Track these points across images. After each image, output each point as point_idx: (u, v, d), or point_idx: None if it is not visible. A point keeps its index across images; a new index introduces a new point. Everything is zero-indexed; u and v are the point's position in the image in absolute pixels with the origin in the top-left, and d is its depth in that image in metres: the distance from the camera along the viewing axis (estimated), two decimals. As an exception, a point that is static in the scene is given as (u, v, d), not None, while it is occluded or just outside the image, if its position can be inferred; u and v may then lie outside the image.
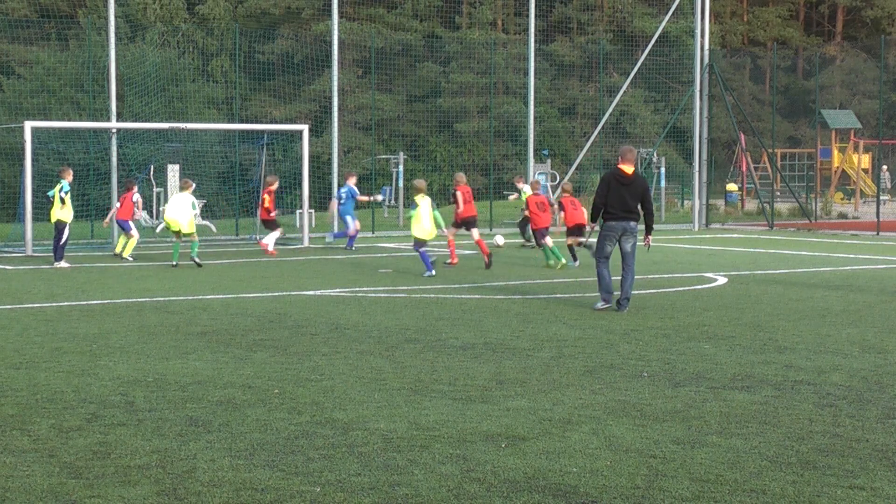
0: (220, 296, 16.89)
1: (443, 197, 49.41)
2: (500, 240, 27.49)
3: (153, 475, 6.99)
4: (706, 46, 37.51)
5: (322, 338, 12.53)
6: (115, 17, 30.39)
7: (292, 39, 50.34)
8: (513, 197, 30.78)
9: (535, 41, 35.75)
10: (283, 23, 55.45)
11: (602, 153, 40.07)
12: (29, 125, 25.96)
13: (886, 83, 49.69)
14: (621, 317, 14.41)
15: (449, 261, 22.19)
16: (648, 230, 15.41)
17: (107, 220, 25.88)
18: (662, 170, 40.59)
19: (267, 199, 25.96)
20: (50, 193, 22.80)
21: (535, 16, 35.64)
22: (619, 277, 15.15)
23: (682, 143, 48.00)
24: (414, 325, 13.53)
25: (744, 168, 45.89)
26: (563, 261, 21.65)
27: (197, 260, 22.25)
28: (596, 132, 37.67)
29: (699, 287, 18.24)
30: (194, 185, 24.50)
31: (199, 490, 6.68)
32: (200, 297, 16.74)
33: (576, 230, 22.18)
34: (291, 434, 8.01)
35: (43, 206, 24.34)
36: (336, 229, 29.28)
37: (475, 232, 22.43)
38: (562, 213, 22.81)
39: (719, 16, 65.86)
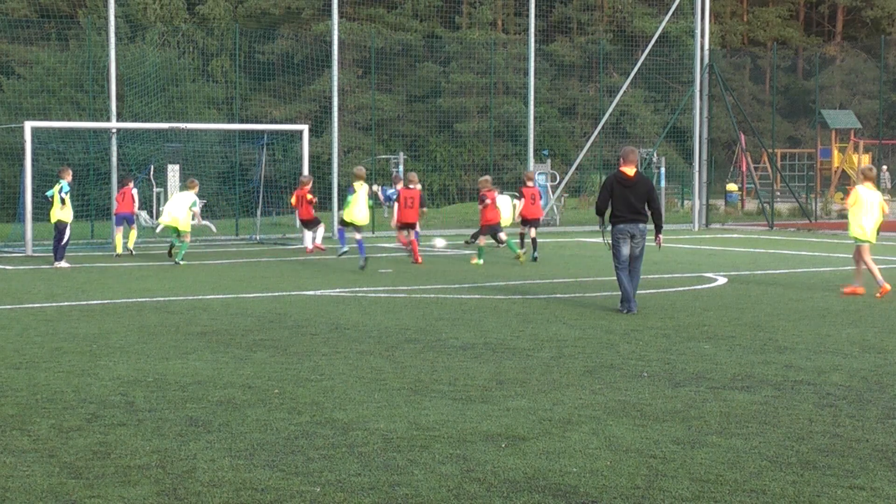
0: (220, 296, 16.89)
1: (442, 197, 49.49)
2: (439, 242, 26.81)
3: (153, 475, 6.99)
4: (706, 46, 37.51)
5: (322, 338, 12.53)
6: (115, 17, 30.39)
7: (292, 39, 50.34)
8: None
9: (535, 41, 35.75)
10: (283, 23, 55.44)
11: (602, 153, 40.07)
12: (29, 125, 25.97)
13: (886, 83, 49.68)
14: (621, 317, 14.41)
15: (413, 260, 22.69)
16: (658, 229, 15.29)
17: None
18: (662, 170, 40.56)
19: (308, 198, 25.72)
20: (49, 193, 22.80)
21: (535, 16, 35.64)
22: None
23: (682, 143, 48.01)
24: (414, 325, 13.54)
25: (744, 168, 45.89)
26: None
27: (179, 262, 22.65)
28: (596, 132, 37.67)
29: (699, 287, 18.24)
30: (198, 186, 24.80)
31: (199, 490, 6.68)
32: (200, 297, 16.74)
33: (531, 223, 23.80)
34: (291, 434, 8.01)
35: (43, 206, 24.35)
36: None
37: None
38: (521, 201, 23.93)
39: (719, 16, 65.86)
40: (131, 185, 25.54)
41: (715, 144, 48.51)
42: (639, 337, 12.71)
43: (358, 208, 21.69)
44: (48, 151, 31.58)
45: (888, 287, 16.86)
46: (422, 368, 10.61)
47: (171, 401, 9.12)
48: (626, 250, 14.90)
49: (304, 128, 29.50)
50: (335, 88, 32.25)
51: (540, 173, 37.14)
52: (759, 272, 20.97)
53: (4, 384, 9.82)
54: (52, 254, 22.57)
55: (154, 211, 32.68)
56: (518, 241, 23.98)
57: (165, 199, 32.22)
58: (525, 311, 15.04)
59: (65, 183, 22.59)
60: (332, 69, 32.32)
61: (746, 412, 8.77)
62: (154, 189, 33.50)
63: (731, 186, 49.94)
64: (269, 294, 17.12)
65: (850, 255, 19.51)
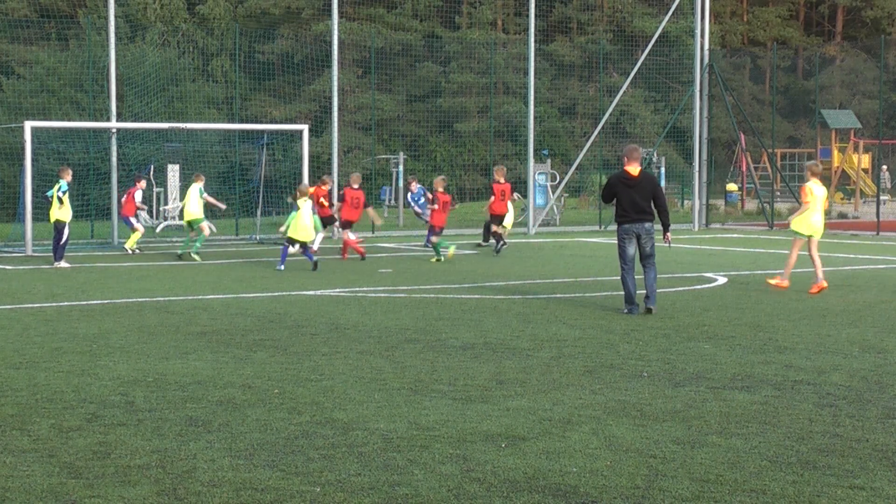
0: (220, 296, 16.89)
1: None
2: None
3: (153, 475, 6.99)
4: (706, 46, 37.51)
5: (322, 338, 12.53)
6: (115, 17, 30.39)
7: (292, 39, 50.33)
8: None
9: (535, 41, 35.74)
10: (283, 23, 55.42)
11: (602, 153, 40.07)
12: (29, 125, 25.96)
13: (886, 83, 49.67)
14: (621, 317, 14.41)
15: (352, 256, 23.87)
16: (665, 228, 15.18)
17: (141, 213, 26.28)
18: (662, 170, 40.63)
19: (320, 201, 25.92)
20: (49, 193, 22.81)
21: (535, 16, 35.64)
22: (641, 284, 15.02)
23: (682, 143, 48.00)
24: (414, 325, 13.53)
25: (744, 168, 45.90)
26: (453, 249, 23.59)
27: (195, 256, 23.36)
28: (596, 132, 37.67)
29: (699, 287, 18.24)
30: (204, 180, 25.53)
31: (199, 490, 6.68)
32: (200, 297, 16.74)
33: (499, 218, 25.39)
34: (291, 434, 8.01)
35: (43, 206, 24.36)
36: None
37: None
38: (491, 199, 25.50)
39: (719, 16, 65.85)
40: (139, 186, 25.93)
41: (715, 144, 48.51)
42: (639, 337, 12.71)
43: (302, 224, 21.69)
44: (48, 151, 31.57)
45: (825, 285, 17.27)
46: (422, 368, 10.61)
47: (171, 401, 9.12)
48: (631, 251, 14.80)
49: (304, 128, 29.49)
50: (335, 88, 32.25)
51: (540, 173, 37.17)
52: (759, 272, 20.96)
53: (4, 384, 9.81)
54: (51, 254, 22.57)
55: (154, 211, 32.69)
56: (492, 239, 25.59)
57: (166, 200, 32.27)
58: (525, 311, 15.04)
59: (64, 182, 22.59)
60: (332, 69, 32.32)
61: (746, 412, 8.77)
62: (154, 189, 33.50)
63: (731, 186, 49.95)
64: (269, 294, 17.12)
65: (850, 255, 19.51)
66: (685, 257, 24.50)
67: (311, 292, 17.39)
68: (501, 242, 25.61)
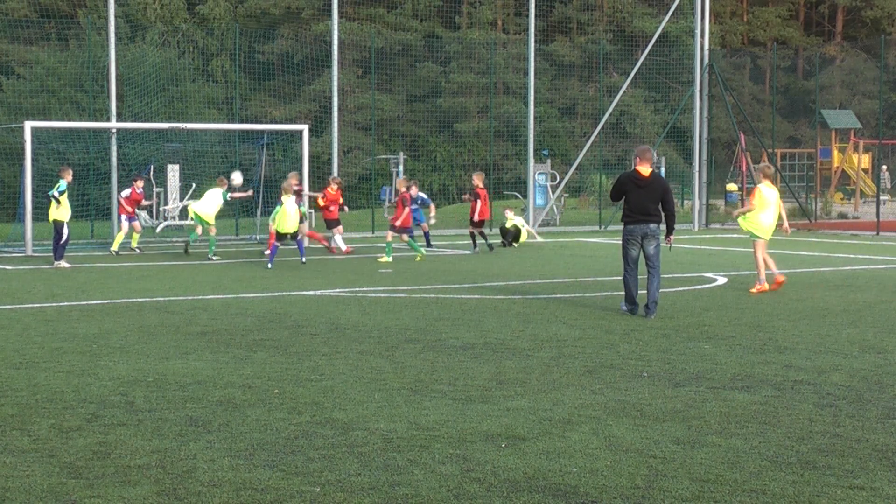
0: (220, 296, 16.89)
1: (442, 197, 49.47)
2: (236, 178, 28.08)
3: (153, 475, 6.99)
4: (706, 46, 37.51)
5: (322, 338, 12.53)
6: (115, 17, 30.39)
7: (292, 39, 50.32)
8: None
9: (535, 41, 35.75)
10: (283, 23, 55.41)
11: (602, 153, 40.07)
12: (29, 125, 25.96)
13: (886, 83, 49.67)
14: (621, 317, 14.41)
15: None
16: (669, 230, 15.04)
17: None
18: (662, 170, 40.59)
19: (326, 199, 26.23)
20: (50, 193, 22.83)
21: (535, 16, 35.64)
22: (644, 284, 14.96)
23: (682, 143, 48.00)
24: (414, 325, 13.53)
25: (744, 168, 45.87)
26: (387, 258, 23.50)
27: (212, 257, 24.03)
28: (596, 132, 37.67)
29: (699, 287, 18.24)
30: (227, 184, 25.92)
31: (199, 490, 6.68)
32: (200, 297, 16.74)
33: (480, 223, 26.16)
34: (291, 434, 8.01)
35: (43, 205, 24.38)
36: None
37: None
38: (478, 204, 26.01)
39: (719, 16, 65.84)
40: (136, 185, 25.96)
41: (715, 144, 48.50)
42: (639, 337, 12.71)
43: (287, 218, 22.44)
44: (48, 151, 31.57)
45: (766, 287, 17.41)
46: (422, 368, 10.61)
47: (171, 401, 9.12)
48: (635, 253, 14.67)
49: (304, 128, 29.49)
50: (335, 88, 32.25)
51: (540, 173, 37.16)
52: (759, 272, 20.95)
53: (4, 384, 9.82)
54: (51, 254, 22.58)
55: (154, 211, 32.69)
56: (482, 240, 26.18)
57: (165, 200, 32.26)
58: (525, 311, 15.04)
59: (63, 182, 22.59)
60: (332, 69, 32.32)
61: (746, 412, 8.77)
62: (154, 189, 33.50)
63: (731, 186, 49.93)
64: (269, 294, 17.12)
65: (850, 255, 19.51)
66: (685, 257, 24.50)
67: (311, 292, 17.39)
68: (482, 241, 26.24)
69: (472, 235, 26.27)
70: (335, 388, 9.67)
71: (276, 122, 44.88)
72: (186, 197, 32.28)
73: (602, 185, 38.80)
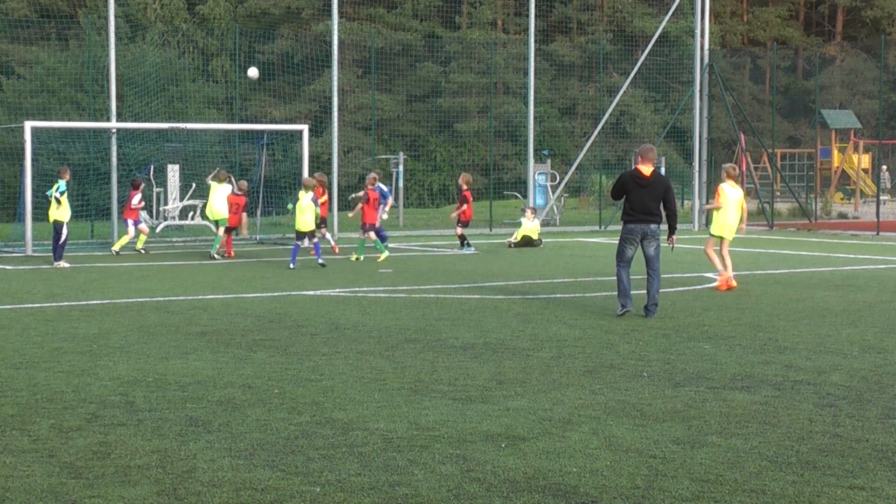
0: (220, 296, 16.89)
1: (442, 197, 49.50)
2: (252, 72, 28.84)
3: (153, 475, 6.98)
4: (706, 46, 37.51)
5: (322, 338, 12.53)
6: (115, 17, 30.38)
7: (292, 39, 50.32)
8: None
9: (535, 41, 35.75)
10: (283, 23, 55.40)
11: (602, 153, 40.08)
12: (29, 125, 25.96)
13: (886, 83, 49.67)
14: (621, 317, 14.39)
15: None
16: (672, 230, 14.92)
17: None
18: (662, 170, 40.57)
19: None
20: (49, 193, 22.84)
21: (535, 16, 35.64)
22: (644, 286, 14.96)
23: (682, 143, 48.00)
24: (414, 325, 13.53)
25: (744, 168, 45.87)
26: (361, 256, 23.75)
27: (215, 255, 24.22)
28: (596, 132, 37.67)
29: (699, 287, 18.25)
30: (233, 179, 25.99)
31: (199, 490, 6.68)
32: (200, 297, 16.74)
33: (466, 224, 26.43)
34: (291, 434, 8.01)
35: (43, 206, 24.38)
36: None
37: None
38: (464, 206, 26.24)
39: (719, 16, 65.83)
40: (139, 189, 26.01)
41: (715, 144, 48.48)
42: (639, 337, 12.71)
43: (301, 216, 22.42)
44: (48, 151, 31.57)
45: (732, 281, 17.70)
46: (422, 368, 10.61)
47: (171, 401, 9.12)
48: (630, 252, 14.60)
49: (304, 128, 29.49)
50: (335, 88, 32.25)
51: (540, 173, 37.16)
52: (759, 272, 20.97)
53: (4, 384, 9.82)
54: (51, 254, 22.58)
55: (154, 211, 32.70)
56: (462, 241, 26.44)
57: (166, 200, 32.26)
58: (525, 311, 15.04)
59: (62, 182, 22.60)
60: (332, 69, 32.32)
61: (746, 412, 8.77)
62: (154, 189, 33.51)
63: (731, 186, 49.87)
64: (269, 294, 17.12)
65: (850, 255, 19.51)
66: (685, 257, 24.49)
67: (311, 292, 17.39)
68: (466, 243, 26.51)
69: (462, 237, 26.60)
70: (335, 388, 9.67)
71: (276, 122, 44.88)
72: (186, 197, 32.28)
73: (602, 185, 38.81)
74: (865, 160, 49.28)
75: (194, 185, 31.89)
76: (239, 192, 25.60)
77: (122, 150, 30.06)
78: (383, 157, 44.90)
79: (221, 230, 25.19)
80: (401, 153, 40.26)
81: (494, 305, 15.68)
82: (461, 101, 53.35)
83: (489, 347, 11.89)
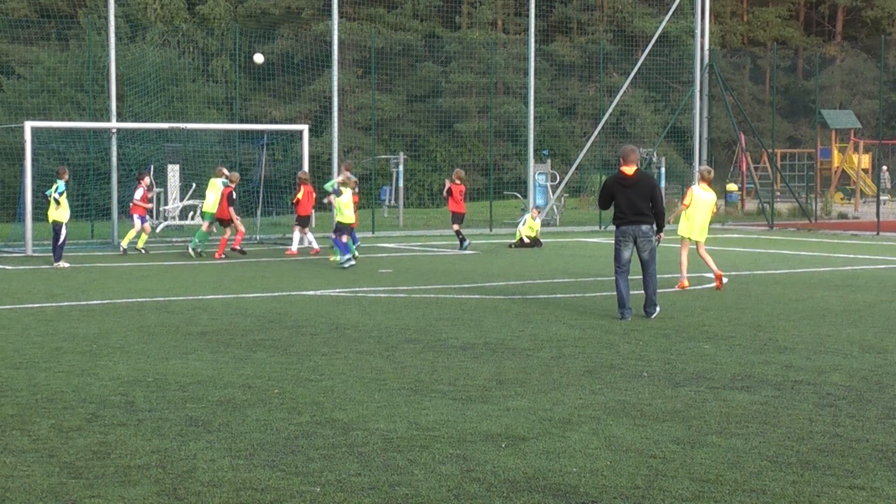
0: (220, 296, 16.89)
1: (443, 197, 49.47)
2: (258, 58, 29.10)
3: (153, 475, 6.98)
4: (706, 46, 37.51)
5: (322, 338, 12.53)
6: (115, 17, 30.38)
7: (292, 39, 50.33)
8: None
9: (535, 41, 35.75)
10: (283, 23, 55.42)
11: (602, 153, 40.08)
12: (29, 125, 25.96)
13: (886, 83, 49.67)
14: (622, 318, 14.37)
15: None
16: (659, 228, 14.74)
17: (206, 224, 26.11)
18: (662, 170, 40.59)
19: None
20: (48, 193, 22.85)
21: (535, 16, 35.64)
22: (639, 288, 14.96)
23: (682, 143, 47.99)
24: (414, 325, 13.53)
25: (744, 168, 45.90)
26: (338, 257, 23.05)
27: (192, 251, 24.34)
28: (596, 132, 37.67)
29: (699, 287, 18.24)
30: (226, 171, 25.83)
31: (199, 490, 6.68)
32: (200, 297, 16.74)
33: (458, 217, 26.83)
34: (291, 434, 8.01)
35: (43, 206, 24.38)
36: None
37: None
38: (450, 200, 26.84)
39: (719, 16, 65.85)
40: (143, 182, 25.84)
41: (715, 144, 48.51)
42: (639, 337, 12.71)
43: (346, 210, 22.27)
44: (48, 151, 31.57)
45: (687, 284, 17.89)
46: (422, 368, 10.61)
47: (171, 401, 9.12)
48: (626, 254, 14.48)
49: (304, 128, 29.50)
50: (335, 88, 32.25)
51: (540, 173, 37.16)
52: (759, 272, 20.97)
53: (4, 384, 9.82)
54: (51, 254, 22.58)
55: (154, 211, 32.70)
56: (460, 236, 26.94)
57: (165, 199, 32.27)
58: (525, 311, 15.04)
59: (61, 183, 22.60)
60: (332, 69, 32.32)
61: (746, 412, 8.77)
62: (154, 189, 33.51)
63: (731, 186, 49.94)
64: (269, 294, 17.12)
65: (850, 255, 19.49)
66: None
67: (311, 292, 17.39)
68: (466, 241, 27.00)
69: (458, 233, 27.06)
70: (335, 388, 9.67)
71: (276, 122, 44.87)
72: (186, 197, 32.28)
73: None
74: (865, 160, 49.28)
75: (194, 185, 31.90)
76: (228, 183, 25.23)
77: (122, 150, 30.06)
78: (383, 157, 44.90)
79: (205, 225, 25.21)
80: (401, 153, 40.26)
81: (494, 305, 15.68)
82: (461, 101, 53.36)
83: (489, 347, 11.89)
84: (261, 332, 13.02)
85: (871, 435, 8.06)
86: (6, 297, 16.86)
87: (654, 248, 14.54)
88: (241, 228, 25.01)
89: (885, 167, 49.87)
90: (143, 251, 25.64)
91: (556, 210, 37.77)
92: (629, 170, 14.49)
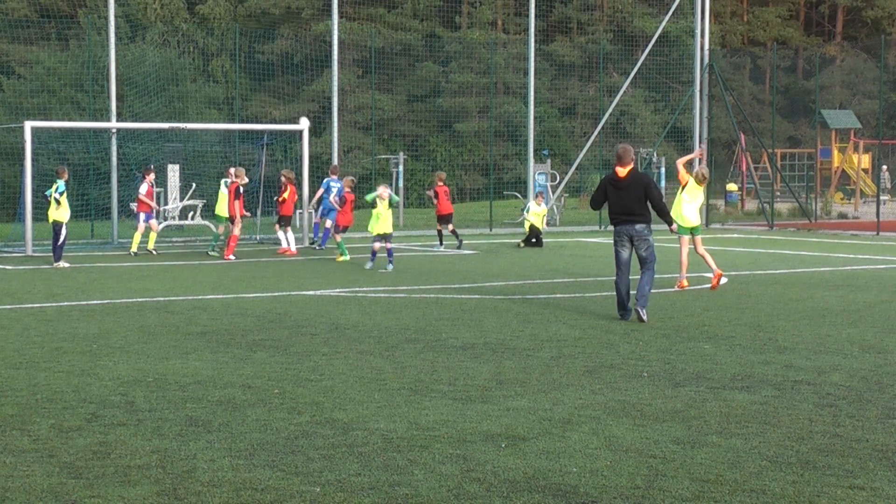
0: (220, 296, 16.89)
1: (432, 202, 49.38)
2: None
3: (153, 475, 6.98)
4: (706, 46, 37.51)
5: (322, 338, 12.53)
6: (115, 17, 30.38)
7: (292, 39, 50.32)
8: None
9: (535, 41, 35.75)
10: (283, 23, 55.41)
11: (602, 153, 40.07)
12: (29, 125, 25.96)
13: (886, 83, 49.67)
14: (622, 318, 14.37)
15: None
16: (668, 223, 15.13)
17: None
18: (662, 170, 40.60)
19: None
20: (48, 193, 22.84)
21: (535, 16, 35.64)
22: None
23: (682, 143, 47.99)
24: (414, 325, 13.53)
25: (744, 168, 45.89)
26: (347, 257, 23.59)
27: (210, 252, 24.59)
28: (596, 132, 37.67)
29: (699, 287, 18.24)
30: (232, 172, 25.66)
31: (199, 490, 6.68)
32: (200, 297, 16.74)
33: (444, 218, 26.99)
34: (291, 434, 8.01)
35: (43, 206, 24.38)
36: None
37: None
38: (436, 201, 27.15)
39: (719, 16, 65.84)
40: (147, 179, 25.70)
41: (715, 144, 48.50)
42: (639, 337, 12.71)
43: (383, 220, 21.73)
44: (48, 151, 31.56)
45: (687, 284, 18.05)
46: (422, 368, 10.61)
47: (171, 401, 9.12)
48: (625, 255, 14.36)
49: (304, 128, 29.48)
50: (335, 88, 32.25)
51: (540, 173, 37.15)
52: (759, 272, 20.97)
53: (4, 384, 9.82)
54: (51, 254, 22.58)
55: (154, 210, 32.68)
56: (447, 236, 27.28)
57: (165, 199, 32.26)
58: (525, 311, 15.04)
59: (61, 183, 22.59)
60: (332, 69, 32.32)
61: (746, 412, 8.77)
62: (154, 189, 33.50)
63: (731, 186, 49.94)
64: (269, 294, 17.12)
65: (850, 255, 19.51)
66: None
67: (311, 292, 17.39)
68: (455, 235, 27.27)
69: (440, 233, 27.39)
70: (335, 388, 9.67)
71: (276, 122, 44.88)
72: (186, 197, 32.27)
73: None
74: (865, 160, 49.28)
75: (194, 185, 31.88)
76: (233, 180, 25.14)
77: (122, 150, 30.05)
78: (383, 157, 44.90)
79: (221, 228, 25.27)
80: (401, 153, 40.25)
81: (494, 305, 15.68)
82: (461, 101, 53.36)
83: (489, 347, 11.90)
84: (261, 332, 13.02)
85: (871, 435, 8.06)
86: (6, 297, 16.86)
87: (650, 245, 14.37)
88: (237, 232, 24.84)
89: (885, 167, 49.86)
90: (153, 252, 25.42)
91: (556, 210, 37.77)
92: (622, 171, 14.31)
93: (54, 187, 22.55)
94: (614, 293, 14.73)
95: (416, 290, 17.63)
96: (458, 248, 26.76)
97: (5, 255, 25.38)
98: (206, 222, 31.93)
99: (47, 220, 22.79)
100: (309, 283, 18.70)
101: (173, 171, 33.08)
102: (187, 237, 30.59)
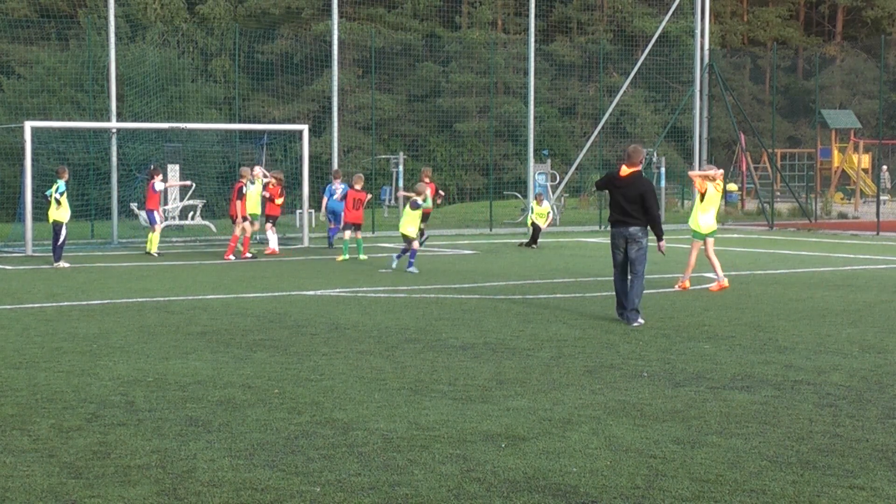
0: (220, 296, 16.89)
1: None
2: None
3: (153, 475, 6.98)
4: (706, 46, 37.52)
5: (322, 338, 12.53)
6: (115, 16, 30.39)
7: (292, 39, 50.31)
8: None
9: (535, 41, 35.76)
10: (283, 23, 55.42)
11: (602, 153, 40.09)
12: (29, 125, 25.96)
13: (886, 83, 49.67)
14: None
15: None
16: (658, 237, 14.22)
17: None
18: (662, 170, 40.61)
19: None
20: (48, 193, 22.84)
21: (535, 16, 35.65)
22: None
23: (682, 143, 48.02)
24: (414, 325, 13.53)
25: (744, 168, 45.90)
26: (346, 256, 23.82)
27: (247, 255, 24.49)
28: (596, 132, 37.67)
29: (699, 287, 18.24)
30: (258, 172, 25.88)
31: (199, 490, 6.68)
32: (200, 297, 16.74)
33: (426, 216, 25.83)
34: (291, 434, 8.01)
35: (43, 206, 24.38)
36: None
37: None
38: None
39: (719, 16, 65.84)
40: (157, 178, 25.55)
41: (715, 144, 48.50)
42: (639, 337, 12.71)
43: (408, 220, 21.66)
44: (48, 151, 31.56)
45: (688, 285, 18.12)
46: (422, 368, 10.61)
47: (171, 401, 9.12)
48: (619, 256, 14.22)
49: (304, 128, 29.49)
50: (335, 88, 32.26)
51: (540, 173, 37.16)
52: (759, 272, 20.97)
53: (4, 384, 9.81)
54: (51, 254, 22.58)
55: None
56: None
57: (165, 200, 32.26)
58: (525, 311, 15.04)
59: (61, 183, 22.59)
60: (332, 69, 32.32)
61: (746, 412, 8.77)
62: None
63: (732, 186, 49.90)
64: (269, 294, 17.12)
65: (850, 255, 19.51)
66: (685, 257, 24.47)
67: (311, 292, 17.39)
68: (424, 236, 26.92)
69: (422, 231, 26.94)
70: (335, 388, 9.67)
71: (276, 122, 44.86)
72: (186, 197, 32.28)
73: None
74: (865, 160, 49.28)
75: (194, 185, 31.90)
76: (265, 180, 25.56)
77: (122, 150, 30.06)
78: (383, 156, 44.90)
79: (256, 225, 25.36)
80: (401, 153, 40.26)
81: (494, 305, 15.68)
82: (461, 101, 53.37)
83: (489, 347, 11.89)
84: (261, 332, 13.02)
85: (871, 435, 8.06)
86: (6, 297, 16.86)
87: (642, 248, 14.06)
88: (237, 233, 24.77)
89: (885, 167, 49.86)
90: (156, 254, 25.33)
91: (556, 210, 37.77)
92: (626, 170, 14.17)
93: (54, 187, 22.55)
94: (615, 293, 14.73)
95: (416, 290, 17.63)
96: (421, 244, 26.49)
97: (5, 255, 25.38)
98: (206, 222, 31.94)
99: (47, 220, 22.78)
100: (309, 283, 18.70)
101: (173, 171, 33.09)
102: (187, 237, 30.59)
